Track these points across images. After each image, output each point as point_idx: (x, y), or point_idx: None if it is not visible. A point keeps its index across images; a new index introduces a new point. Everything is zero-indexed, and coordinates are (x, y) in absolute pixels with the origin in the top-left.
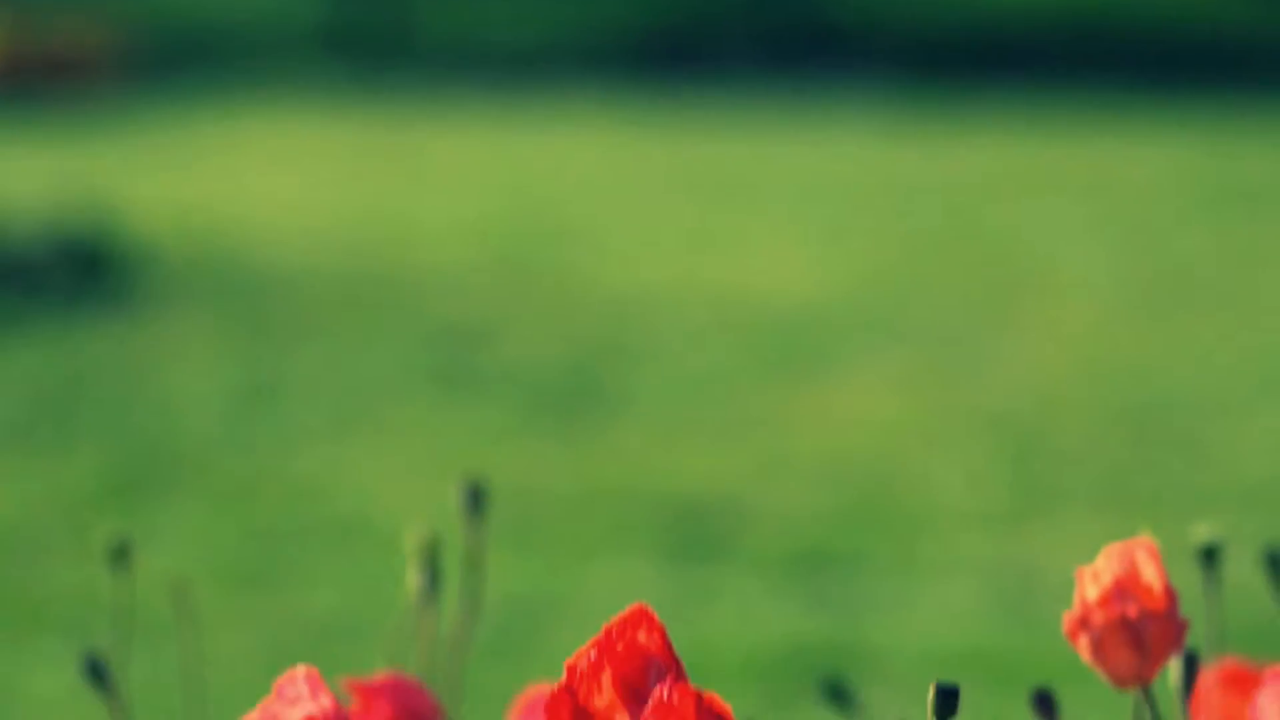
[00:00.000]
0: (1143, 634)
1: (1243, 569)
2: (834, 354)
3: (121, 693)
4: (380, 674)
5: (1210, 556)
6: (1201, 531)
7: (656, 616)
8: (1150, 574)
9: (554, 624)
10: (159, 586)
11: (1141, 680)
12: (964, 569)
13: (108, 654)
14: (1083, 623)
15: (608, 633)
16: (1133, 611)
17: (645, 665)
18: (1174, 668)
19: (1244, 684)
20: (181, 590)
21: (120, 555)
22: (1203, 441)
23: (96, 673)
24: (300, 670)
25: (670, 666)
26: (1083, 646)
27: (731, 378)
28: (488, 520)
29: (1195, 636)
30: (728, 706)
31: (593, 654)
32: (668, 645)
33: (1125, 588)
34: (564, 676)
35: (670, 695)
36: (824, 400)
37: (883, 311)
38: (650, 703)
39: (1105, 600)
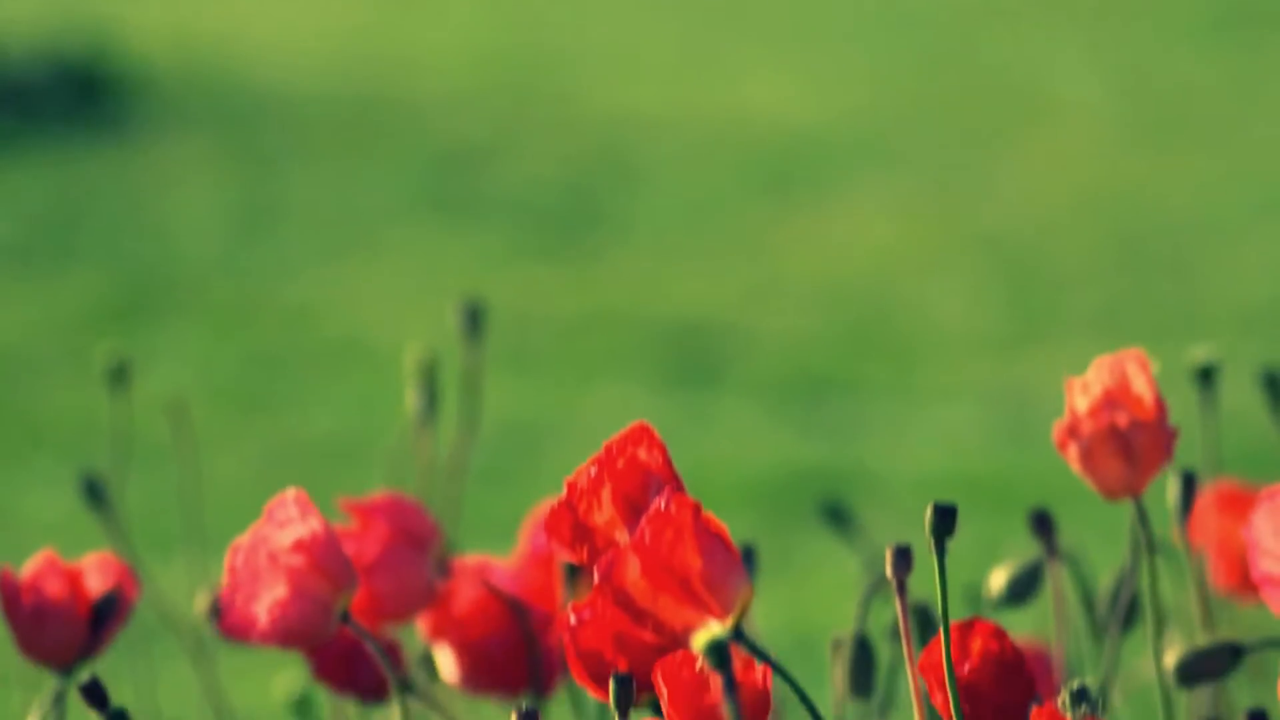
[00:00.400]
0: (1132, 443)
1: (1239, 394)
2: (831, 179)
3: (119, 514)
4: (378, 494)
5: (1207, 377)
6: (1198, 353)
7: (656, 433)
8: (1140, 384)
9: (551, 448)
10: (156, 409)
11: (1131, 491)
12: (961, 394)
13: (105, 476)
14: (1072, 432)
15: (608, 449)
16: (1122, 421)
17: (645, 482)
18: (1171, 487)
19: (1240, 505)
20: (179, 412)
21: (118, 376)
22: (1200, 267)
23: (94, 493)
24: (290, 493)
25: (670, 483)
26: (1072, 456)
27: (730, 202)
28: (485, 344)
29: (1191, 459)
30: (724, 525)
31: (593, 470)
32: (668, 462)
33: (1115, 397)
34: (564, 493)
35: (668, 505)
36: (821, 225)
37: (880, 136)
38: (648, 512)
39: (1095, 410)
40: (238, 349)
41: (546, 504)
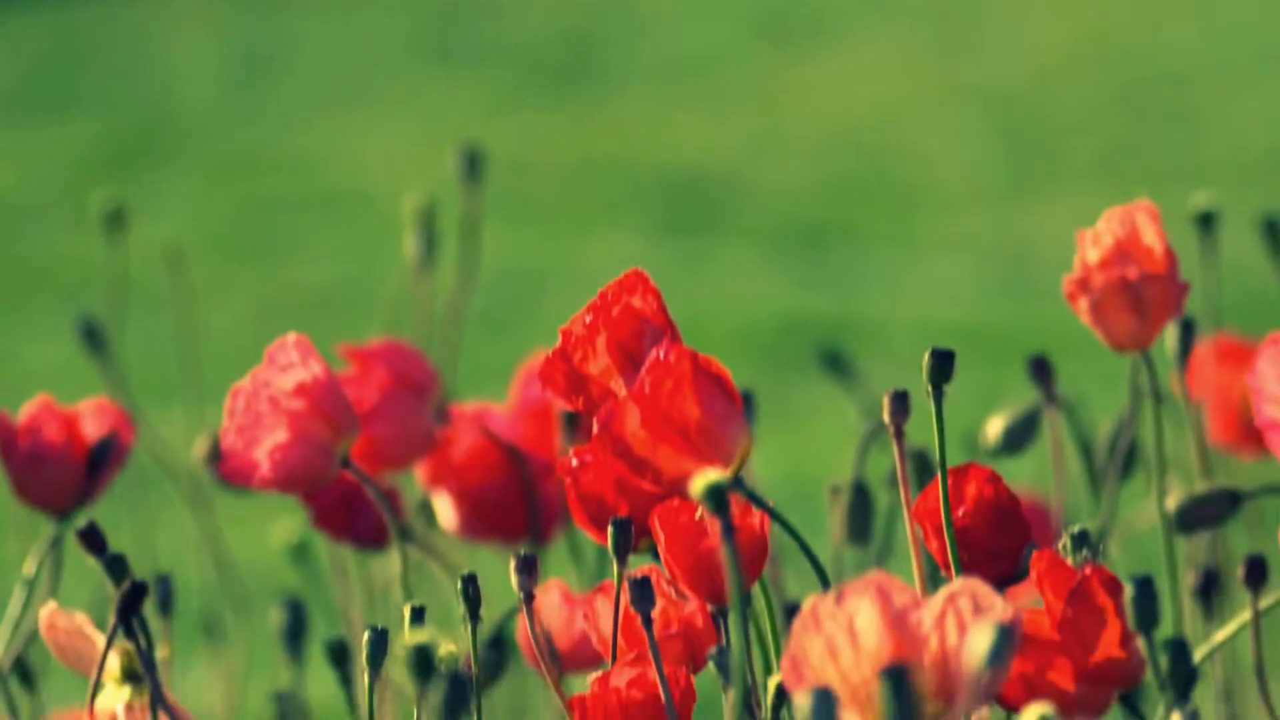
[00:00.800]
0: (1142, 296)
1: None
2: (832, 28)
3: (116, 361)
4: (377, 340)
5: (1207, 223)
6: (1199, 199)
7: (651, 280)
8: (1151, 236)
9: (550, 295)
10: (154, 257)
11: (1140, 344)
12: (960, 244)
13: (103, 323)
14: (1082, 285)
15: (602, 297)
16: (1133, 273)
17: (640, 329)
18: (1171, 335)
19: (1239, 358)
20: (176, 259)
21: (115, 221)
22: (1201, 116)
23: (92, 337)
24: (291, 337)
25: (665, 331)
26: (1082, 309)
27: (730, 52)
28: (484, 191)
29: (1191, 307)
30: (725, 369)
31: (587, 318)
32: (663, 309)
33: (1125, 250)
34: (558, 341)
35: (667, 354)
36: (821, 74)
37: None
38: (647, 362)
39: (1105, 262)
40: (236, 197)
41: (541, 353)
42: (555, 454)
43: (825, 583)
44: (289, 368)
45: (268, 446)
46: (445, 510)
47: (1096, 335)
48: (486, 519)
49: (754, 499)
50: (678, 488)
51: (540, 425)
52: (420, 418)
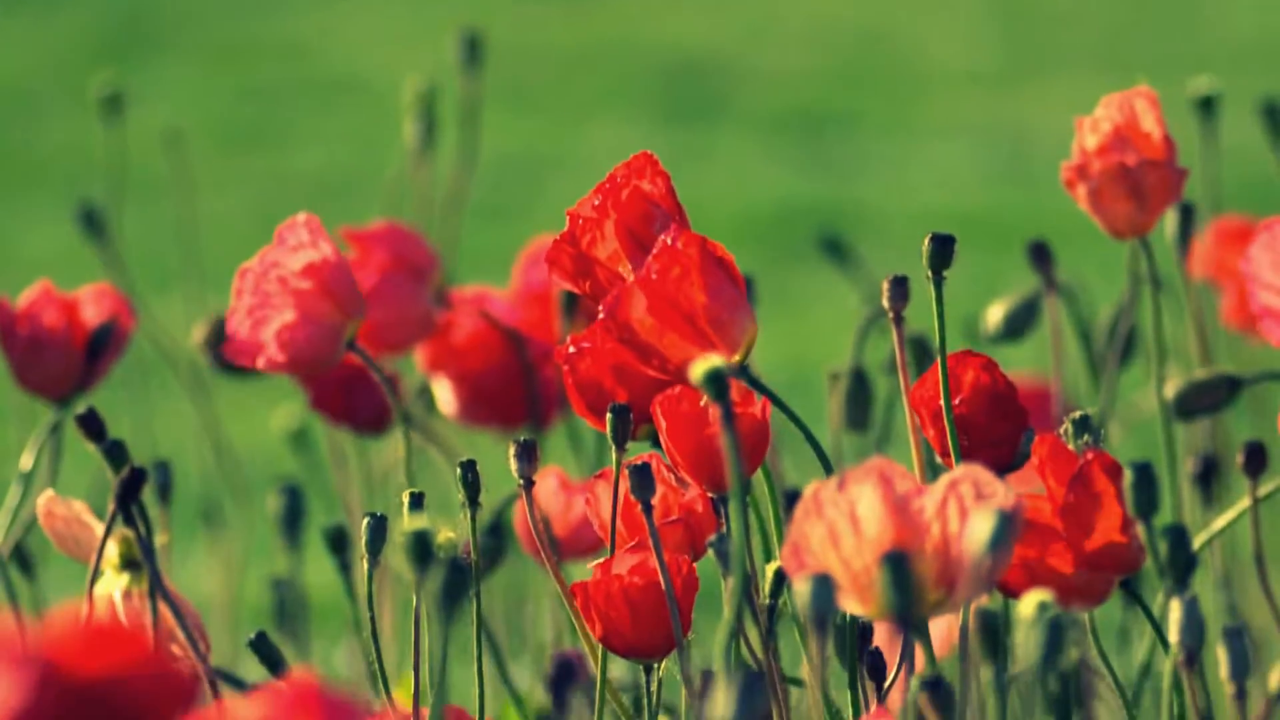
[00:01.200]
0: (1140, 182)
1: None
2: None
3: (116, 248)
4: (377, 224)
5: (1207, 107)
6: (1199, 84)
7: (660, 163)
8: (1149, 122)
9: (549, 182)
10: (153, 144)
11: (1138, 230)
12: (959, 131)
13: (102, 209)
14: (1081, 171)
15: (611, 179)
16: (1131, 159)
17: (648, 213)
18: (1170, 221)
19: (1239, 238)
20: (175, 145)
21: (114, 105)
22: (1199, 2)
23: (91, 223)
24: (301, 217)
25: (674, 216)
26: (1080, 196)
27: None
28: (483, 77)
29: (1191, 193)
30: (730, 255)
31: (595, 201)
32: (672, 193)
33: (1124, 136)
34: (566, 225)
35: (675, 240)
36: None
37: None
38: (655, 248)
39: (1104, 149)
40: (234, 84)
41: (542, 238)
42: (555, 339)
43: (828, 469)
44: (298, 248)
45: (275, 327)
46: (445, 395)
47: (1095, 222)
48: (486, 404)
49: (757, 385)
50: (684, 375)
51: (541, 310)
52: (419, 301)
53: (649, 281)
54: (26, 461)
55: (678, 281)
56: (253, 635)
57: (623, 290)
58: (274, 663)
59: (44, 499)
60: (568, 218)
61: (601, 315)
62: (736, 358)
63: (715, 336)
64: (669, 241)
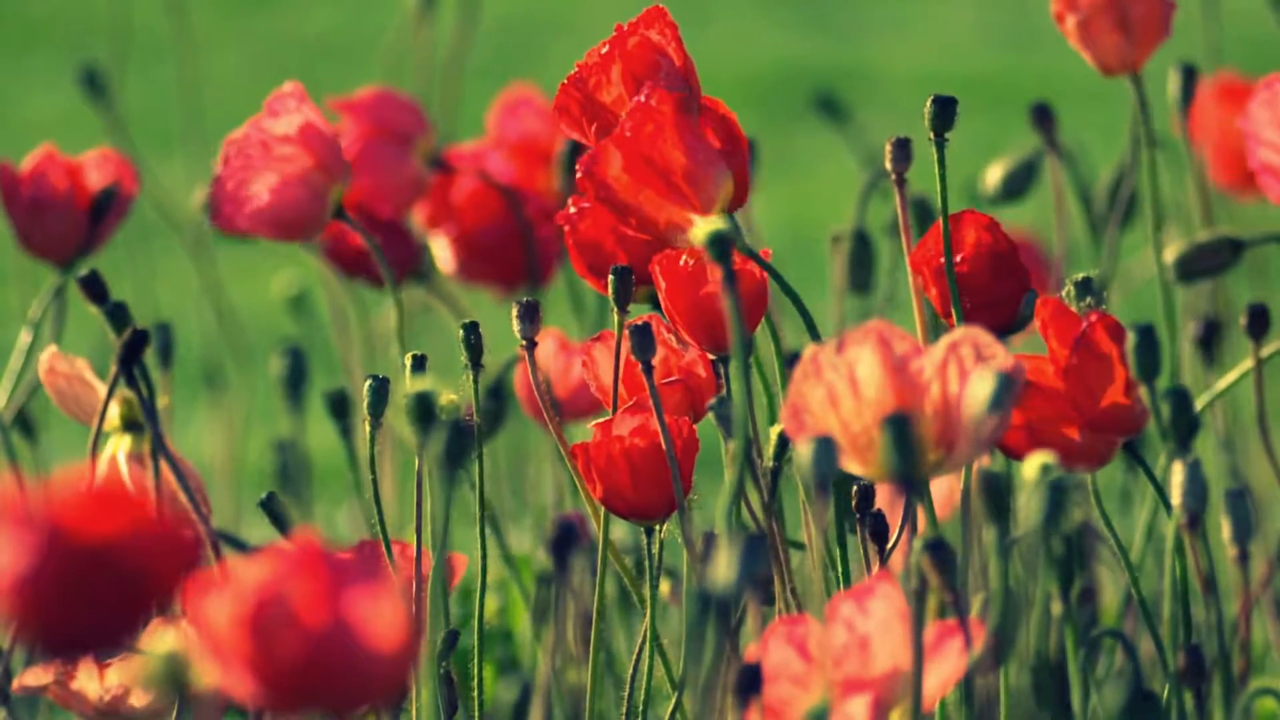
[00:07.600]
0: (1129, 14)
1: None
2: None
3: (118, 111)
4: (364, 91)
5: None
6: None
7: (671, 17)
8: None
9: (550, 45)
10: (155, 6)
11: (1129, 66)
12: None
13: (105, 72)
14: (1070, 3)
15: (620, 29)
16: None
17: (655, 62)
18: (1172, 80)
19: (1240, 96)
20: (177, 7)
21: None
22: None
23: (94, 85)
24: (288, 86)
25: (681, 66)
26: (1070, 29)
27: None
28: None
29: (1193, 54)
30: (732, 112)
31: (605, 48)
32: (680, 46)
33: None
34: (575, 70)
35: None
36: None
37: None
38: (630, 105)
39: None
40: None
41: (516, 86)
42: (542, 191)
43: (815, 336)
44: (281, 115)
45: (258, 189)
46: (443, 253)
47: (1087, 60)
48: (484, 261)
49: (748, 253)
50: (661, 234)
51: (527, 163)
52: (404, 165)
53: (624, 139)
54: (32, 318)
55: (652, 138)
56: (263, 496)
57: (599, 148)
58: (283, 523)
59: (47, 355)
60: (576, 67)
61: (579, 174)
62: (712, 214)
63: (691, 193)
64: (644, 99)
